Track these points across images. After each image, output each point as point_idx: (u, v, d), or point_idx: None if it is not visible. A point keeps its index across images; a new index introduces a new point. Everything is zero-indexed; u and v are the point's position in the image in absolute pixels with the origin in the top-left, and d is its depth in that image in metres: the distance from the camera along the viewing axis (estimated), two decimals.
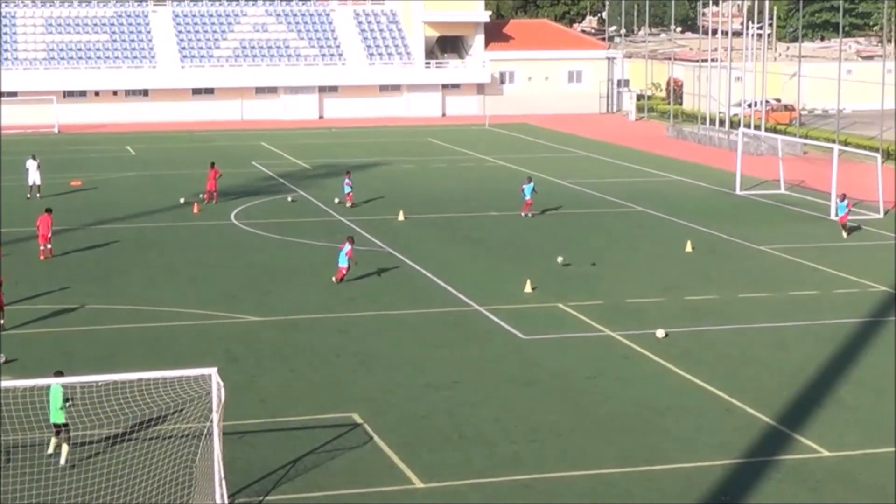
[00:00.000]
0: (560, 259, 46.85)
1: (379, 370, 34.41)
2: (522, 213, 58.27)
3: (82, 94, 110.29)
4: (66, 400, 26.69)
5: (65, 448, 26.38)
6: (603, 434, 29.32)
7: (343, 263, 44.26)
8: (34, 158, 66.65)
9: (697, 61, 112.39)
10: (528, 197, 58.39)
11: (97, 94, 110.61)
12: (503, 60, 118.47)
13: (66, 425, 26.75)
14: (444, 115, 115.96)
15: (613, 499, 25.47)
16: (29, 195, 65.52)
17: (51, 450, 26.61)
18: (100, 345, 36.91)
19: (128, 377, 26.37)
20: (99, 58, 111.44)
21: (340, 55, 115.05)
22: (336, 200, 63.02)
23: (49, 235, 49.31)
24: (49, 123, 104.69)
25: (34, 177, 65.69)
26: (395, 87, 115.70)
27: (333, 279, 44.25)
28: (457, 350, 36.43)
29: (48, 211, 50.32)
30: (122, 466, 26.49)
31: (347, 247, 44.36)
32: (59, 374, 26.85)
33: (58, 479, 25.77)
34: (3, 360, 35.01)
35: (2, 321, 38.57)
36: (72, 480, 25.78)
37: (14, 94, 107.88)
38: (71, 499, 24.97)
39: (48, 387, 26.50)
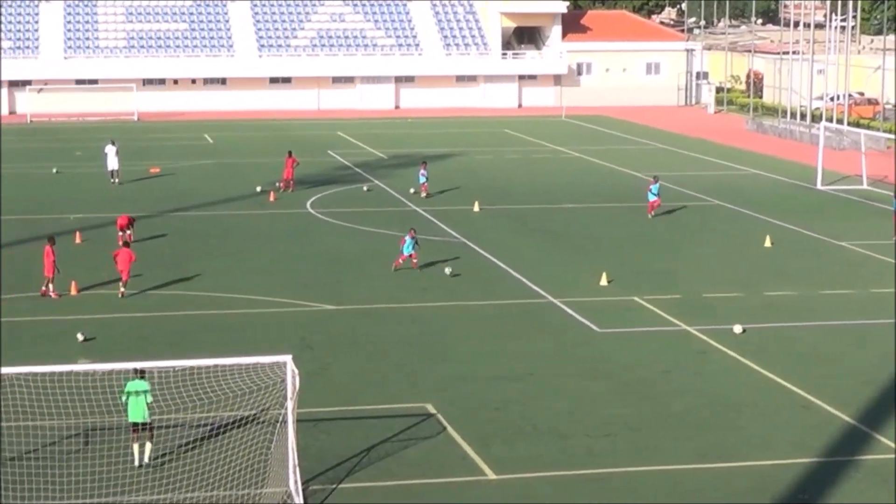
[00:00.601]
0: (448, 270, 44.62)
1: (452, 361, 34.46)
2: (650, 214, 56.47)
3: (161, 82, 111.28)
4: (150, 402, 26.53)
5: (148, 446, 26.48)
6: (677, 429, 29.17)
7: (408, 251, 44.27)
8: (113, 144, 67.41)
9: (778, 54, 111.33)
10: (654, 198, 56.44)
11: (176, 82, 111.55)
12: (580, 51, 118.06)
13: (149, 425, 26.55)
14: (520, 106, 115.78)
15: (687, 495, 25.34)
16: (112, 180, 66.22)
17: (137, 461, 26.22)
18: (175, 331, 37.26)
19: (203, 363, 26.60)
20: (178, 46, 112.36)
21: (417, 45, 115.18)
22: (412, 190, 63.14)
23: (126, 224, 49.79)
24: (129, 111, 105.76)
25: (112, 162, 66.42)
26: (472, 78, 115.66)
27: (394, 267, 44.11)
28: (530, 342, 36.40)
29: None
30: (196, 452, 26.75)
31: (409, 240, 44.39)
32: (142, 373, 26.83)
33: (132, 462, 26.06)
34: (82, 338, 35.53)
35: (53, 294, 39.71)
36: (147, 465, 26.06)
37: (95, 81, 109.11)
38: (146, 482, 25.25)
39: (129, 383, 26.53)
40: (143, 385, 26.23)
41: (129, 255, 41.30)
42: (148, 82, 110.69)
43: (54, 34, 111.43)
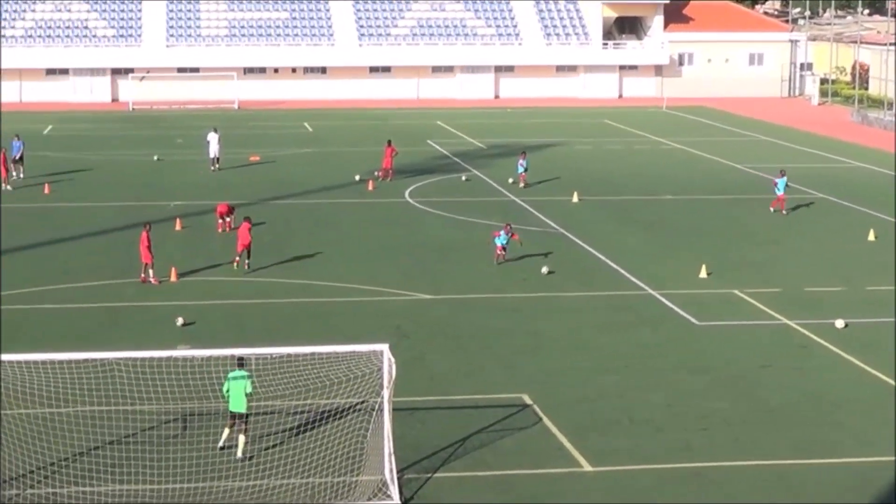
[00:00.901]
0: (544, 270, 43.74)
1: (549, 351, 34.42)
2: (772, 209, 55.59)
3: (262, 70, 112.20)
4: (249, 395, 26.60)
5: (242, 439, 26.74)
6: (776, 424, 28.89)
7: (500, 242, 44.12)
8: (215, 131, 68.17)
9: (885, 45, 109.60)
10: (781, 192, 55.33)
11: (276, 70, 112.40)
12: (682, 42, 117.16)
13: (247, 417, 26.77)
14: (620, 96, 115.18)
15: (785, 490, 25.10)
16: (212, 167, 67.04)
17: (221, 443, 26.68)
18: (273, 318, 37.59)
19: (300, 351, 26.82)
20: (279, 35, 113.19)
21: (517, 35, 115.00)
22: (510, 180, 63.11)
23: (226, 212, 50.31)
24: (229, 99, 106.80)
25: (214, 149, 67.16)
26: (572, 68, 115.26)
27: (497, 261, 44.03)
28: (628, 334, 36.25)
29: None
30: (293, 439, 26.98)
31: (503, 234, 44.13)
32: (241, 362, 27.01)
33: (232, 448, 26.35)
34: (181, 322, 35.99)
35: (153, 280, 40.58)
36: (242, 459, 26.30)
37: (196, 70, 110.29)
38: (243, 468, 25.51)
39: (231, 373, 26.80)
40: (241, 374, 26.49)
41: (248, 228, 43.01)
42: (249, 71, 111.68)
43: (157, 23, 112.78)
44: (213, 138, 67.40)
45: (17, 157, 63.73)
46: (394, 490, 24.49)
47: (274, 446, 26.60)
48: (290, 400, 28.31)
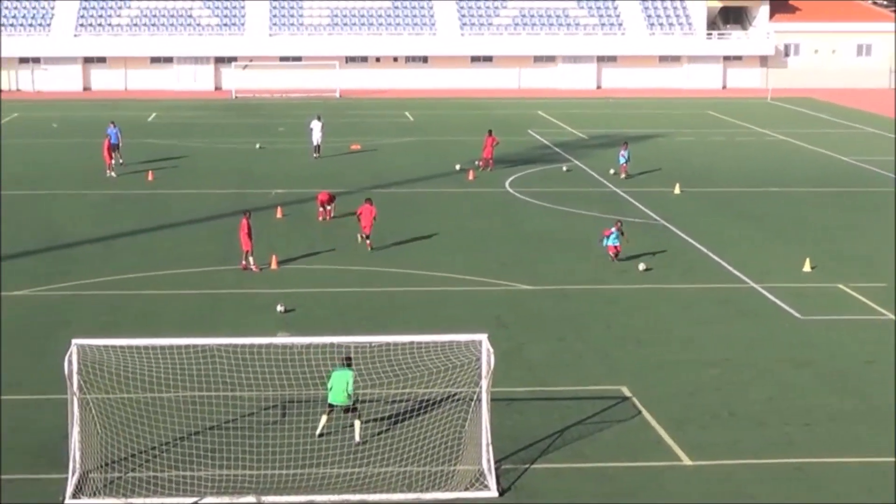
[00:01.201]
0: (641, 266, 42.41)
1: (649, 344, 34.21)
2: None
3: (363, 59, 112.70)
4: (352, 393, 26.74)
5: (357, 425, 26.78)
6: (880, 421, 28.46)
7: (612, 242, 43.35)
8: (319, 119, 68.64)
9: None
10: None
11: (378, 60, 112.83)
12: (788, 32, 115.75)
13: (353, 406, 26.88)
14: (724, 87, 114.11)
15: (888, 489, 24.73)
16: (315, 155, 67.48)
17: (319, 430, 26.81)
18: (373, 307, 37.74)
19: (400, 339, 26.92)
20: (381, 24, 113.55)
21: (620, 25, 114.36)
22: (611, 171, 62.80)
23: (327, 200, 50.63)
24: (331, 88, 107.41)
25: (317, 137, 67.62)
26: (675, 59, 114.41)
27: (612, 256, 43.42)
28: (729, 327, 35.91)
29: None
30: (392, 427, 27.09)
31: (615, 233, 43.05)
32: (349, 361, 27.17)
33: (329, 436, 26.51)
34: (281, 309, 36.29)
35: (254, 267, 41.20)
36: (343, 437, 26.49)
37: (298, 58, 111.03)
38: (341, 456, 25.65)
39: (336, 369, 26.89)
40: (347, 374, 26.65)
41: (372, 211, 43.73)
42: (350, 60, 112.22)
43: (260, 12, 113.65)
44: (315, 126, 67.92)
45: (114, 144, 64.42)
46: (491, 480, 24.50)
47: (372, 435, 26.73)
48: (388, 389, 28.43)
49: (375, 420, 27.55)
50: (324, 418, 26.84)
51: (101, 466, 24.91)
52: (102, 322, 35.32)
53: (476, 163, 64.30)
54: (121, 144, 64.80)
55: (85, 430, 24.70)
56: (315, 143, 67.89)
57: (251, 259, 41.83)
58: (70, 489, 23.87)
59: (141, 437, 26.23)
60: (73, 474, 24.18)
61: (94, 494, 23.85)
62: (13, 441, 26.53)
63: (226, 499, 23.84)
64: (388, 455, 25.65)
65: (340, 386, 26.54)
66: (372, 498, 24.02)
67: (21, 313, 36.37)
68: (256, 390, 28.52)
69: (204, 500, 23.79)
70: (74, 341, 24.70)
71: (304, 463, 25.18)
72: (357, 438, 26.54)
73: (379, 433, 26.75)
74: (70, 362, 24.26)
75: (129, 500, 23.70)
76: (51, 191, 57.76)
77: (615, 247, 43.14)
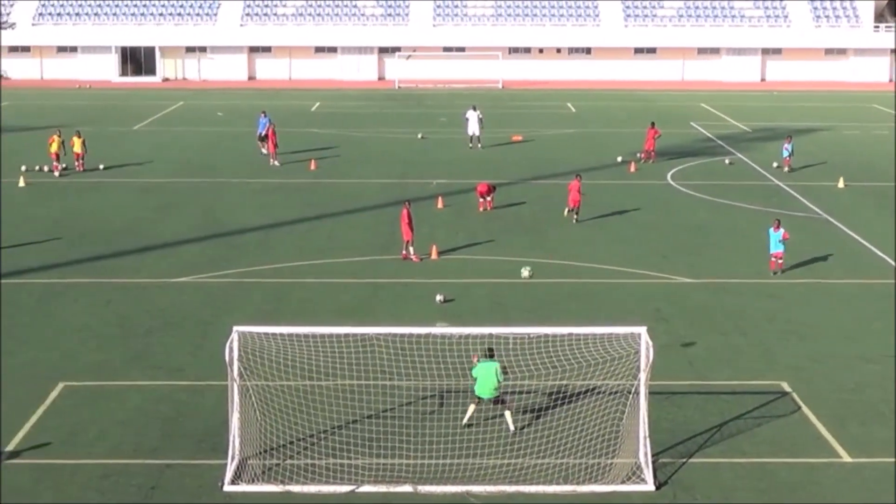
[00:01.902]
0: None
1: (810, 339, 33.52)
2: None
3: (527, 51, 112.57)
4: (499, 384, 26.71)
5: (507, 415, 26.73)
6: None
7: (777, 249, 41.12)
8: (474, 109, 68.69)
9: None
10: None
11: (541, 51, 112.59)
12: None
13: (501, 397, 26.87)
14: (891, 80, 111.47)
15: None
16: (470, 145, 67.57)
17: (465, 420, 26.75)
18: (532, 297, 37.60)
19: (559, 331, 26.75)
20: (545, 16, 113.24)
21: (786, 17, 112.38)
22: (774, 164, 61.74)
23: (486, 191, 50.67)
24: (493, 79, 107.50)
25: (474, 128, 67.65)
26: (841, 51, 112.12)
27: (772, 271, 42.21)
28: (891, 322, 34.98)
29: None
30: (550, 417, 26.93)
31: (782, 230, 41.08)
32: (492, 353, 27.13)
33: (485, 427, 26.43)
34: (440, 299, 36.36)
35: (414, 257, 41.49)
36: (498, 428, 26.40)
37: (462, 49, 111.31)
38: (498, 446, 25.57)
39: (483, 362, 26.82)
40: (493, 366, 26.57)
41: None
42: (514, 51, 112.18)
43: (424, 3, 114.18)
44: (472, 116, 67.95)
45: (262, 134, 65.28)
46: (648, 474, 24.23)
47: (529, 426, 26.61)
48: (546, 380, 28.29)
49: (532, 411, 27.42)
50: (472, 408, 26.80)
51: (260, 453, 25.19)
52: (263, 310, 35.77)
53: (638, 155, 63.75)
54: (267, 135, 64.35)
55: (244, 417, 25.00)
56: (471, 134, 67.86)
57: (411, 249, 41.99)
58: (229, 475, 24.17)
59: (299, 425, 26.46)
60: (232, 460, 24.49)
61: (252, 481, 24.12)
62: (175, 427, 26.98)
63: (382, 487, 23.93)
64: (544, 446, 25.51)
65: (487, 378, 26.48)
66: (528, 489, 23.91)
67: (184, 300, 37.02)
68: (414, 380, 28.59)
69: (361, 489, 23.91)
70: (235, 328, 25.01)
71: (460, 453, 25.17)
72: (511, 428, 26.45)
73: (536, 424, 26.61)
74: (231, 349, 24.56)
75: (287, 487, 23.93)
76: (215, 179, 58.72)
77: (777, 255, 40.66)
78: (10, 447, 25.74)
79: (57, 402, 28.53)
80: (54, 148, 59.57)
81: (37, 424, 27.13)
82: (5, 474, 24.34)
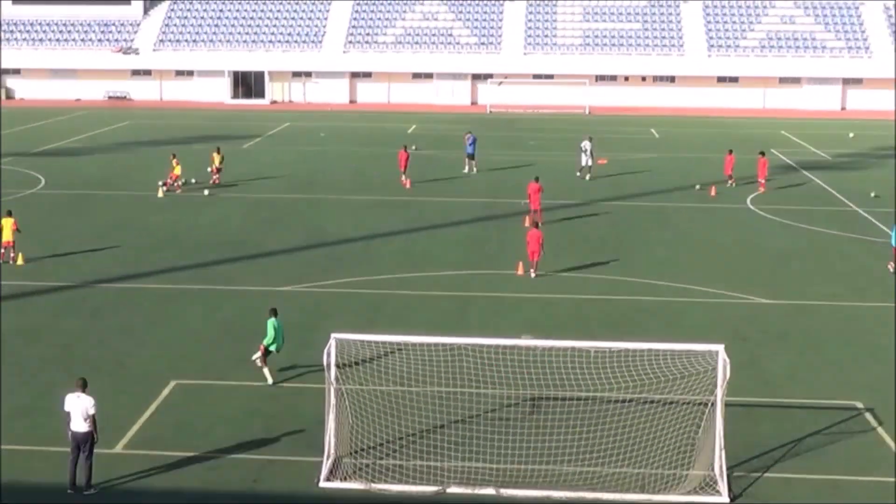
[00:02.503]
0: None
1: (887, 361, 33.05)
2: None
3: (612, 78, 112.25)
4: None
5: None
6: None
7: None
8: (590, 140, 67.22)
9: None
10: None
11: (626, 79, 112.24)
12: None
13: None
14: None
15: None
16: (578, 174, 66.36)
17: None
18: (612, 313, 37.50)
19: (639, 346, 26.68)
20: (630, 45, 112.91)
21: (867, 48, 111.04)
22: (872, 194, 60.44)
23: (538, 205, 50.78)
24: (580, 105, 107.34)
25: (586, 158, 65.98)
26: None
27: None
28: None
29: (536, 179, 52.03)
30: (628, 428, 26.83)
31: None
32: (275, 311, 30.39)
33: (566, 434, 26.40)
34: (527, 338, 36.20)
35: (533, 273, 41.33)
36: (578, 437, 26.31)
37: (551, 76, 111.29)
38: (577, 454, 25.54)
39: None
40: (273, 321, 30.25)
41: (539, 236, 41.95)
42: (600, 78, 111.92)
43: (516, 31, 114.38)
44: (586, 146, 65.99)
45: (470, 154, 66.93)
46: (722, 486, 24.07)
47: (608, 436, 26.53)
48: (625, 392, 28.21)
49: (611, 422, 27.34)
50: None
51: (352, 453, 25.38)
52: (360, 318, 36.03)
53: (729, 182, 62.97)
54: (475, 153, 67.39)
55: (339, 419, 25.21)
56: (583, 164, 66.49)
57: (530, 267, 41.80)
58: (324, 473, 24.39)
59: (389, 428, 26.62)
60: (327, 459, 24.71)
61: (345, 479, 24.32)
62: (277, 425, 27.28)
63: (467, 489, 24.01)
64: (622, 456, 25.44)
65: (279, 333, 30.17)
66: (606, 496, 23.87)
67: (288, 307, 37.35)
68: (500, 388, 28.65)
69: (446, 490, 24.00)
70: (333, 335, 25.24)
71: (542, 459, 25.19)
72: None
73: (614, 435, 26.53)
74: (329, 354, 24.80)
75: (378, 486, 24.08)
76: (317, 195, 59.22)
77: None
78: (125, 440, 26.21)
79: (169, 399, 29.00)
80: (216, 163, 61.55)
81: (150, 419, 27.60)
82: (120, 464, 24.76)
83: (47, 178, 63.30)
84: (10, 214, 43.66)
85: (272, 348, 30.26)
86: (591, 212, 54.36)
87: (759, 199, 59.33)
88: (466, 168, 67.45)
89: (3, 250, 42.98)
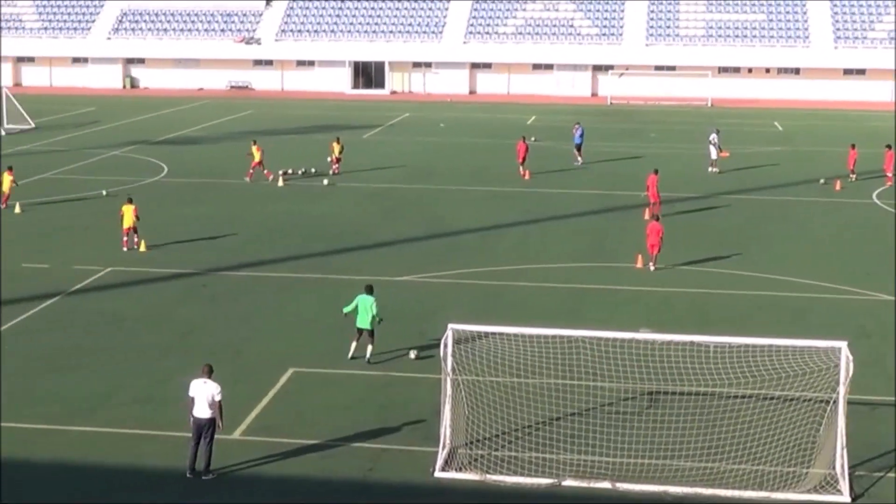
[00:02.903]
0: None
1: None
2: None
3: (736, 70, 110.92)
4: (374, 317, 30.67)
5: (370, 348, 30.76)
6: None
7: None
8: (717, 132, 66.73)
9: None
10: None
11: (750, 70, 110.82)
12: None
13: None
14: None
15: None
16: (711, 169, 65.58)
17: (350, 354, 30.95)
18: (732, 308, 37.06)
19: (760, 342, 26.30)
20: (754, 37, 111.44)
21: None
22: None
23: (657, 198, 50.42)
24: (702, 97, 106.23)
25: (712, 152, 65.28)
26: None
27: None
28: None
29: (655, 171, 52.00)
30: (747, 425, 26.47)
31: None
32: (371, 289, 31.19)
33: (683, 430, 26.12)
34: (413, 356, 33.11)
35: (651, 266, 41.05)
36: (695, 432, 26.03)
37: (672, 68, 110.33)
38: (696, 449, 25.28)
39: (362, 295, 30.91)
40: (369, 300, 30.71)
41: (659, 229, 41.55)
42: (723, 70, 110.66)
43: (638, 22, 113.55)
44: (714, 139, 65.63)
45: (578, 144, 66.96)
46: (843, 485, 23.65)
47: (726, 432, 26.18)
48: (745, 388, 27.84)
49: (730, 418, 27.00)
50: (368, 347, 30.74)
51: (468, 444, 25.40)
52: (477, 309, 36.04)
53: (850, 177, 61.91)
54: (582, 144, 67.46)
55: (455, 409, 25.24)
56: (713, 158, 65.73)
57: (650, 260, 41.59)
58: (439, 463, 24.44)
59: (505, 419, 26.59)
60: (443, 449, 24.75)
61: (461, 469, 24.35)
62: (393, 414, 27.41)
63: (582, 483, 23.90)
64: (740, 452, 25.12)
65: (364, 311, 30.76)
66: (723, 492, 23.60)
67: (405, 297, 37.56)
68: (617, 381, 28.48)
69: (561, 483, 23.91)
70: (450, 326, 25.26)
71: (658, 454, 24.99)
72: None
73: (733, 431, 26.20)
74: (445, 345, 24.83)
75: (493, 478, 24.07)
76: (435, 185, 59.40)
77: None
78: (242, 426, 26.53)
79: (286, 387, 29.30)
80: (336, 152, 62.26)
81: (267, 406, 27.90)
82: (237, 451, 25.07)
83: (170, 166, 64.38)
84: (130, 201, 44.45)
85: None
86: (712, 205, 53.81)
87: (885, 193, 58.21)
88: (576, 160, 67.10)
89: (125, 237, 43.80)
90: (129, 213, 43.81)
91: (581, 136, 67.42)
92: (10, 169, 52.87)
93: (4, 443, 25.32)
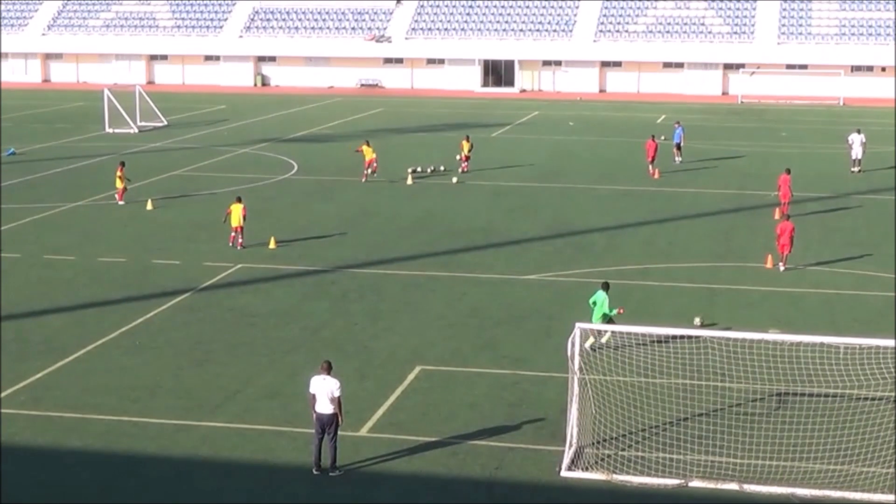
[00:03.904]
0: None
1: None
2: None
3: (868, 69, 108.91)
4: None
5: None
6: None
7: None
8: (858, 132, 65.52)
9: None
10: None
11: (883, 69, 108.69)
12: None
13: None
14: None
15: None
16: (853, 169, 64.20)
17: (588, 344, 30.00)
18: (865, 309, 36.34)
19: (890, 343, 25.76)
20: (888, 35, 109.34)
21: None
22: None
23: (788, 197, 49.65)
24: (834, 96, 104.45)
25: (857, 151, 64.25)
26: None
27: None
28: None
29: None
30: (877, 428, 25.92)
31: None
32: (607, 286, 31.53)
33: (812, 431, 25.75)
34: (698, 323, 34.96)
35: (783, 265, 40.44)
36: (825, 434, 25.60)
37: (804, 66, 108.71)
38: (824, 451, 24.91)
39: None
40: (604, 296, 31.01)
41: (790, 229, 40.84)
42: (856, 69, 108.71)
43: (770, 21, 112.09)
44: (855, 139, 64.46)
45: (678, 143, 66.53)
46: None
47: (856, 434, 25.62)
48: (875, 390, 27.35)
49: (860, 420, 26.54)
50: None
51: (594, 443, 25.32)
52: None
53: None
54: (682, 144, 66.88)
55: (582, 408, 25.18)
56: (854, 157, 64.53)
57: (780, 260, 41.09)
58: (566, 462, 24.39)
59: (632, 419, 26.47)
60: (569, 448, 24.70)
61: (587, 469, 24.27)
62: (518, 413, 27.42)
63: (709, 484, 23.69)
64: (870, 455, 24.67)
65: (601, 306, 31.00)
66: (853, 495, 23.19)
67: (532, 296, 37.57)
68: (745, 382, 28.18)
69: (688, 483, 23.73)
70: (578, 325, 25.21)
71: (787, 455, 24.66)
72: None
73: (863, 433, 25.75)
74: (573, 344, 24.78)
75: (620, 478, 23.97)
76: (564, 184, 59.28)
77: None
78: (370, 423, 26.73)
79: (413, 384, 29.46)
80: (465, 150, 62.65)
81: (394, 403, 28.09)
82: (365, 447, 25.29)
83: (300, 164, 65.18)
84: (239, 200, 44.55)
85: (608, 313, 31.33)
86: (844, 205, 52.90)
87: None
88: (675, 158, 66.11)
89: (232, 234, 44.19)
90: (237, 212, 43.96)
91: (680, 135, 66.60)
92: (121, 165, 53.71)
93: (138, 438, 25.83)
